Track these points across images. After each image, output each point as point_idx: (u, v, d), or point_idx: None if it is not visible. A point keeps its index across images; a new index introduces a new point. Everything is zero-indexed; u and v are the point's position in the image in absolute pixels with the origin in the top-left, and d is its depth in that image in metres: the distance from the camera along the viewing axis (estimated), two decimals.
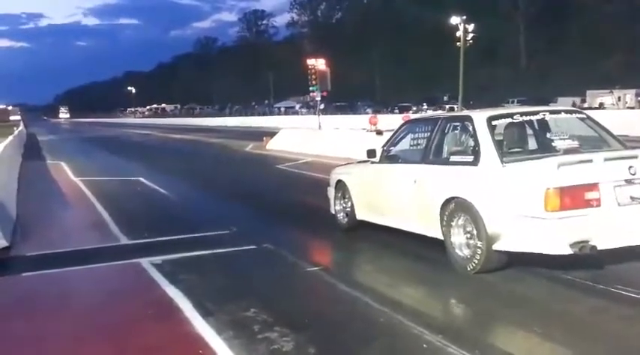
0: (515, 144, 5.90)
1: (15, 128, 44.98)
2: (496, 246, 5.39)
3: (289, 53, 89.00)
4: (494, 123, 5.90)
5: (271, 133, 27.19)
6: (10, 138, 26.37)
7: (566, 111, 6.75)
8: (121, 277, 6.53)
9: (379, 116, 31.92)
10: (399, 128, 7.50)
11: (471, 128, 5.96)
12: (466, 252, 5.70)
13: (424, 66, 70.72)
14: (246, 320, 4.76)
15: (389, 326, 4.58)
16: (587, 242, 4.96)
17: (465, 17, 47.74)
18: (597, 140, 6.19)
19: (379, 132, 18.29)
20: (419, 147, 6.81)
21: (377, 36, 79.49)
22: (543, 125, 6.23)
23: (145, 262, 6.70)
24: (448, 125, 6.44)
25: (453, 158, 6.10)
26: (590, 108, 41.83)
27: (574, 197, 4.98)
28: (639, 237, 5.21)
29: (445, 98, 59.68)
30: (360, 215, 7.60)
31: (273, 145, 24.52)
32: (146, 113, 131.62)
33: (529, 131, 6.25)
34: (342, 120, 42.26)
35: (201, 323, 4.76)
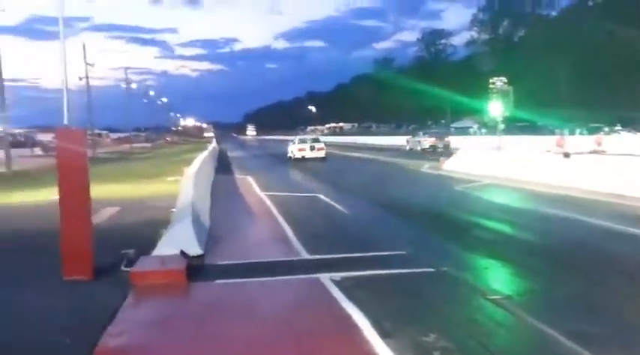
0: (301, 143, 35.65)
1: (208, 144, 48.88)
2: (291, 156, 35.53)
3: (468, 72, 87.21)
4: (299, 138, 38.39)
5: (447, 154, 26.70)
6: (205, 153, 28.82)
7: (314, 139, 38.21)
8: (302, 290, 6.75)
9: (566, 137, 30.05)
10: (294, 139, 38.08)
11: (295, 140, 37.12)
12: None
13: (615, 85, 65.28)
14: (426, 345, 4.69)
15: None
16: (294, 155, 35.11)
17: None
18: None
19: (567, 155, 16.97)
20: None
21: (562, 55, 74.96)
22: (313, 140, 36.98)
23: (325, 277, 6.91)
24: (300, 139, 37.89)
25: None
26: None
27: (299, 149, 34.90)
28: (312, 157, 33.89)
29: None
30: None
31: (450, 166, 24.10)
32: (325, 131, 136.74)
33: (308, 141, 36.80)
34: (522, 140, 40.37)
35: (380, 343, 4.77)
